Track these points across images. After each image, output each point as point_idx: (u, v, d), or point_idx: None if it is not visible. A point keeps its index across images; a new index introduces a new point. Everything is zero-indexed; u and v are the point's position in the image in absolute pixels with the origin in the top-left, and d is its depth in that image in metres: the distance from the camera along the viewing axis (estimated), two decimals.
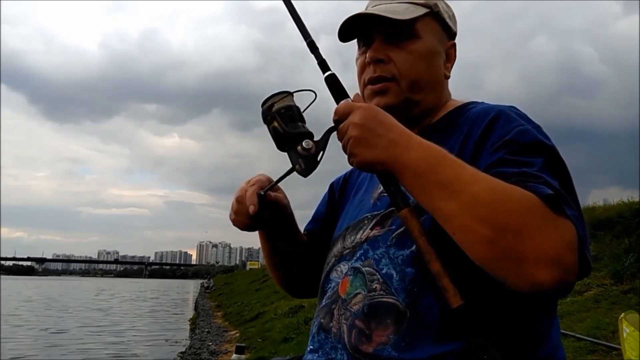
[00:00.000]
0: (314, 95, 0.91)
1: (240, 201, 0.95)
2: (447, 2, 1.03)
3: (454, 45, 1.01)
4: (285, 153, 0.88)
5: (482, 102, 0.96)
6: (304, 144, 0.85)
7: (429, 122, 0.98)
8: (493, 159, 0.80)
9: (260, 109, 0.90)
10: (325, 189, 1.19)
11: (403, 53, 0.94)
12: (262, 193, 0.92)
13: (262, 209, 0.92)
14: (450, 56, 1.00)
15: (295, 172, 0.87)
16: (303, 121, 0.89)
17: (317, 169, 0.87)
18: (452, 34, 1.01)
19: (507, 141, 0.81)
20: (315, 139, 0.87)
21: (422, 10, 0.95)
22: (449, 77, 1.00)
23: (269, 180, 0.96)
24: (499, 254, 0.70)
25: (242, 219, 0.96)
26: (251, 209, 0.90)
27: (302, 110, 0.90)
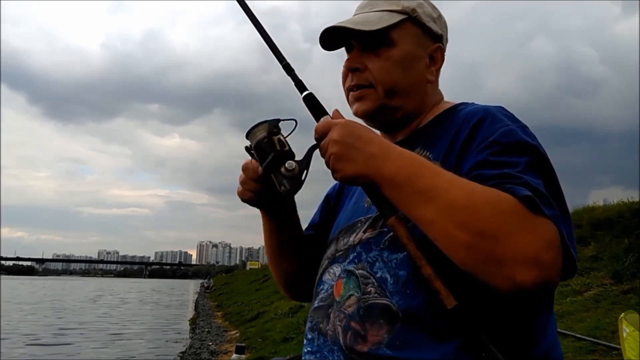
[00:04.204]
0: (294, 122, 0.93)
1: (246, 168, 0.97)
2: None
3: (440, 47, 0.99)
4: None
5: (472, 103, 0.96)
6: (287, 165, 0.87)
7: (417, 126, 0.99)
8: (476, 160, 0.81)
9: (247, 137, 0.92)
10: (324, 188, 1.21)
11: (378, 60, 0.95)
12: (270, 158, 0.92)
13: (268, 175, 0.92)
14: (435, 59, 0.99)
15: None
16: (284, 145, 0.89)
17: (310, 173, 0.88)
18: (436, 37, 0.99)
19: (491, 142, 0.81)
20: (298, 158, 0.89)
21: (397, 18, 0.95)
22: (432, 81, 0.99)
23: None
24: (479, 257, 0.71)
25: (248, 187, 0.98)
26: (260, 170, 0.92)
27: (285, 136, 0.91)
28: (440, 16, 1.00)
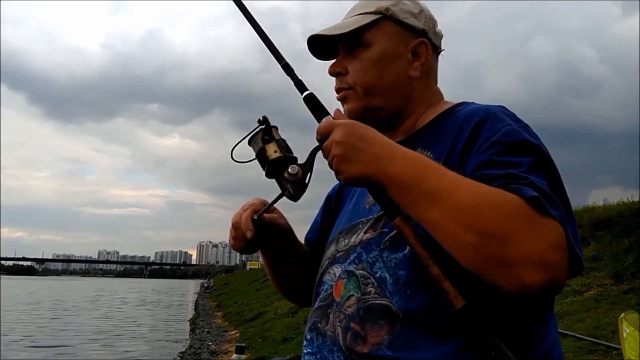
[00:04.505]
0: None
1: (236, 227, 0.98)
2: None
3: (423, 42, 0.98)
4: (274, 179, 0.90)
5: (473, 103, 0.96)
6: (290, 169, 0.87)
7: (414, 125, 0.99)
8: (480, 161, 0.80)
9: (254, 140, 0.91)
10: (327, 188, 1.21)
11: (356, 62, 0.97)
12: (256, 217, 0.96)
13: (259, 233, 0.96)
14: (419, 54, 0.98)
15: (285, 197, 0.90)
16: (274, 154, 0.90)
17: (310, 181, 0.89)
18: (418, 32, 0.98)
19: (494, 142, 0.81)
20: (301, 161, 0.89)
21: (370, 18, 0.96)
22: (416, 77, 0.98)
23: (263, 203, 0.99)
24: (485, 258, 0.70)
25: (240, 244, 1.00)
26: (248, 234, 0.95)
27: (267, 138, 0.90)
28: (422, 11, 1.00)
